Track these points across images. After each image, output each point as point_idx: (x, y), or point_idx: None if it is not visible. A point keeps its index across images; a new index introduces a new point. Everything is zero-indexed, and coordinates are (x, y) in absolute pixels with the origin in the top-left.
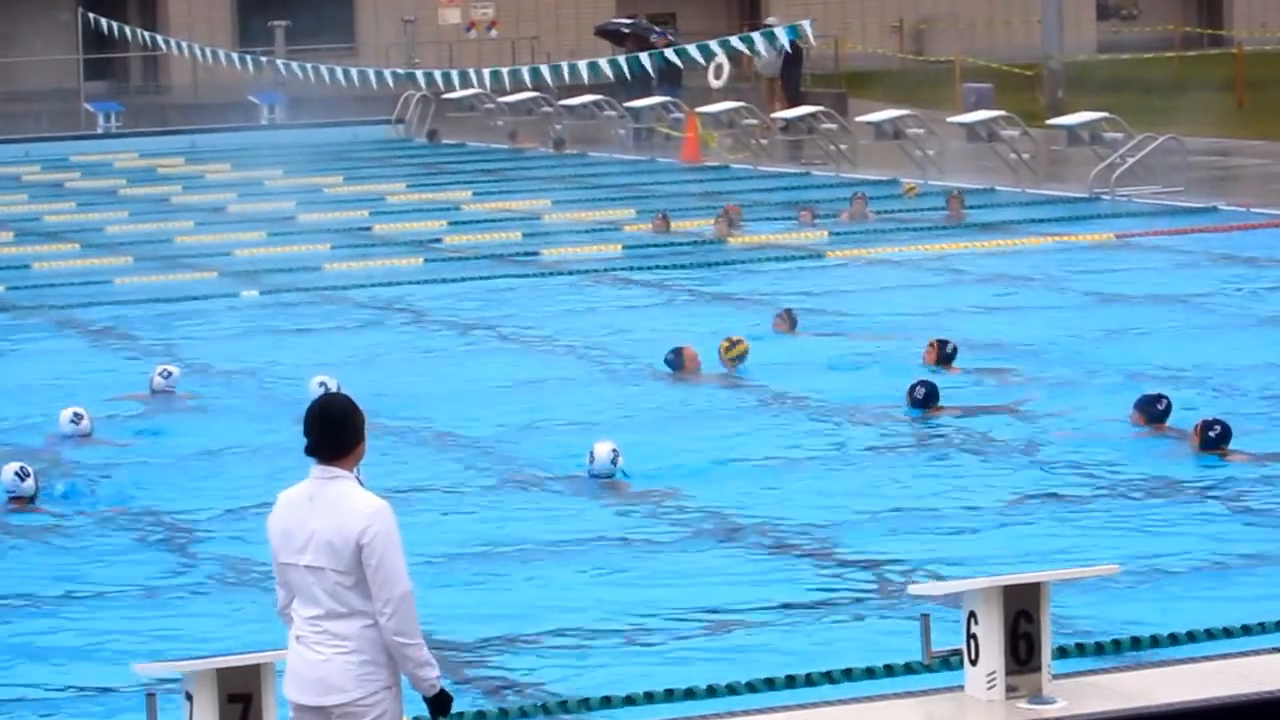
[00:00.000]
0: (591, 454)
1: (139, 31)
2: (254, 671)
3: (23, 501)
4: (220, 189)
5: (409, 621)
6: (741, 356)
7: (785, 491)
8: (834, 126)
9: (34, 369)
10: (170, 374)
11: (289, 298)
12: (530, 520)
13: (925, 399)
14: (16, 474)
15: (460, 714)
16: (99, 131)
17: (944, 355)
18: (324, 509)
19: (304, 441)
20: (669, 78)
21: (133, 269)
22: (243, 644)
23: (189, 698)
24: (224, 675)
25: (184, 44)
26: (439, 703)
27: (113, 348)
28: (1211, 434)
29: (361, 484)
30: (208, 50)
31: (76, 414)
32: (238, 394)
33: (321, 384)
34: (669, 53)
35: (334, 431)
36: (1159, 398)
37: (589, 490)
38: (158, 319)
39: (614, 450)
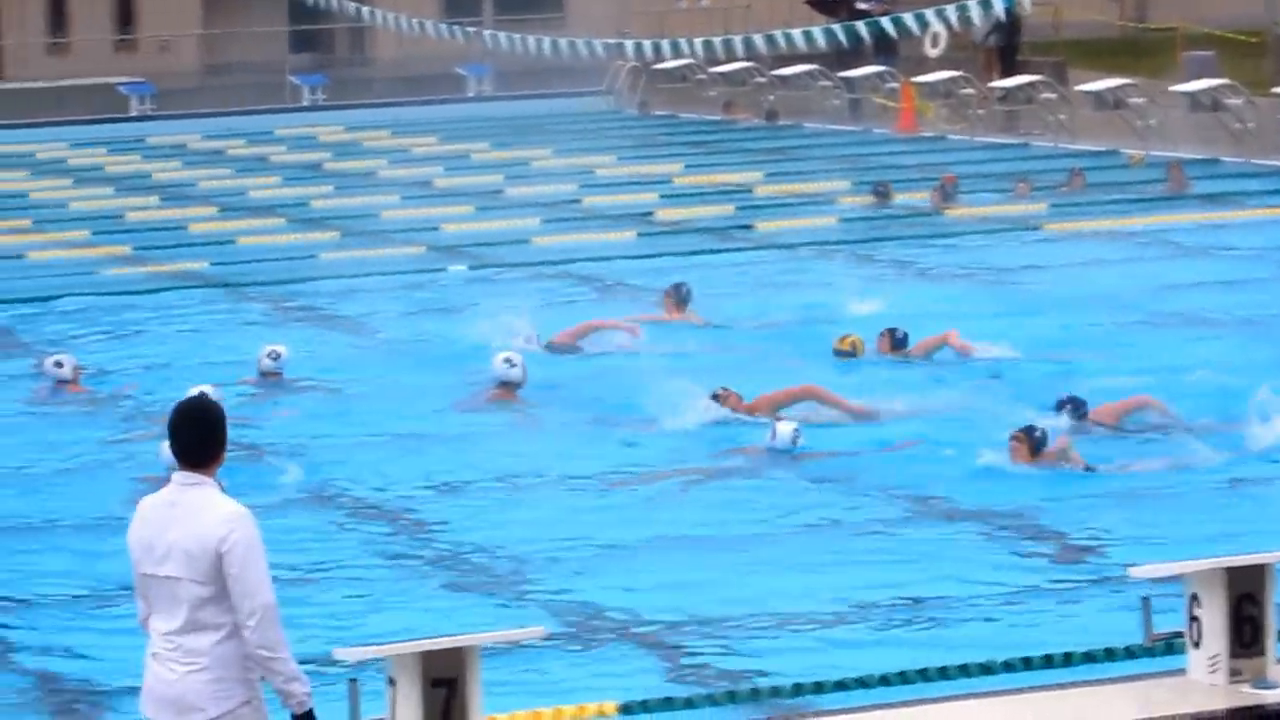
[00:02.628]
0: (774, 430)
1: (345, 3)
2: (459, 655)
3: None
4: (427, 162)
5: (273, 633)
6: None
7: (997, 474)
8: (1053, 96)
9: (195, 344)
10: (278, 355)
11: (497, 273)
12: (728, 505)
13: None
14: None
15: (669, 699)
16: (304, 105)
17: (896, 342)
18: (184, 517)
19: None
20: (884, 47)
21: (338, 244)
22: (445, 627)
23: (392, 683)
24: (428, 659)
25: (390, 15)
26: None
27: (300, 324)
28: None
29: (223, 489)
30: (414, 21)
31: (202, 394)
32: (419, 372)
33: (507, 360)
34: (885, 21)
35: (203, 436)
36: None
37: (794, 472)
38: (354, 295)
39: (796, 429)
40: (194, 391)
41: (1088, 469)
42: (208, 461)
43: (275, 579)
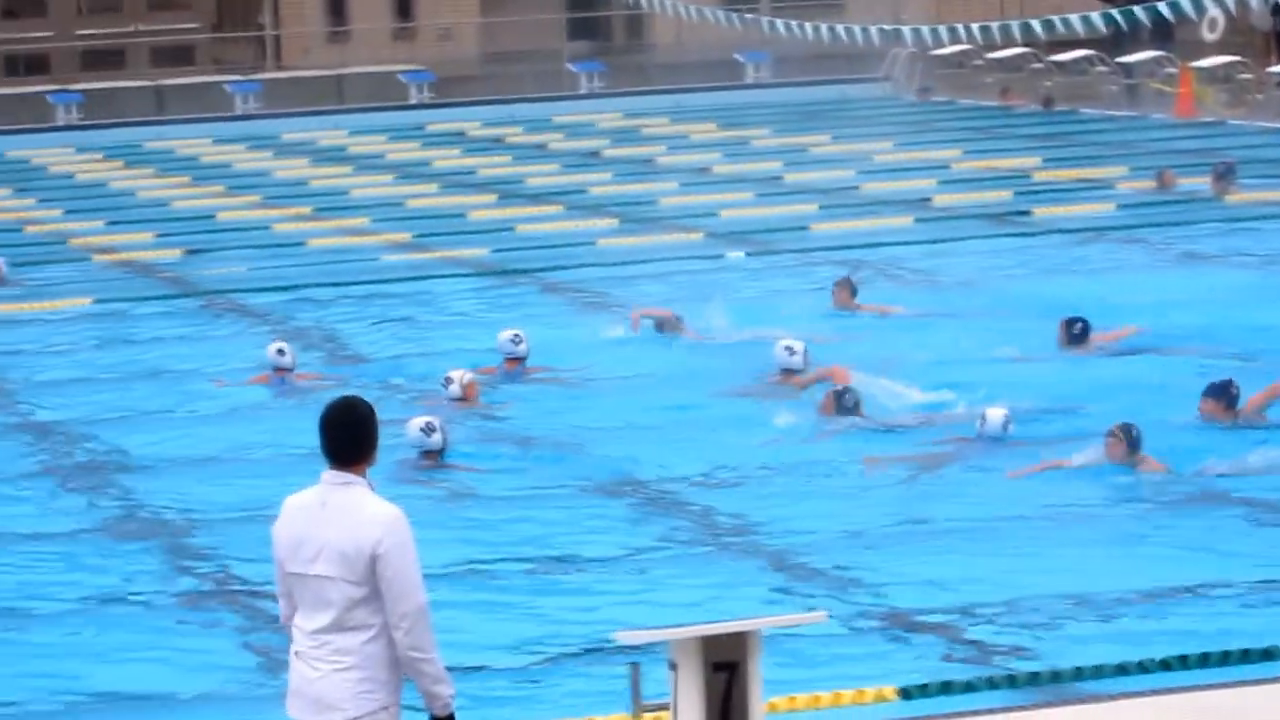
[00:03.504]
0: (984, 418)
1: None
2: (740, 639)
3: (433, 456)
4: (705, 149)
5: (424, 635)
6: None
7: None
8: None
9: (466, 331)
10: (520, 339)
11: (775, 259)
12: (979, 492)
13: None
14: (423, 429)
15: (948, 683)
16: (582, 92)
17: (1072, 336)
18: (337, 517)
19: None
20: (1161, 32)
21: (616, 231)
22: (726, 611)
23: (673, 667)
24: (709, 643)
25: (668, 1)
26: None
27: (578, 311)
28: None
29: (373, 489)
30: (692, 8)
31: (447, 378)
32: (703, 356)
33: (788, 348)
34: (1162, 6)
35: (355, 435)
36: (1229, 384)
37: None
38: (632, 282)
39: (1006, 416)
40: (454, 374)
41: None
42: (358, 461)
43: (553, 564)
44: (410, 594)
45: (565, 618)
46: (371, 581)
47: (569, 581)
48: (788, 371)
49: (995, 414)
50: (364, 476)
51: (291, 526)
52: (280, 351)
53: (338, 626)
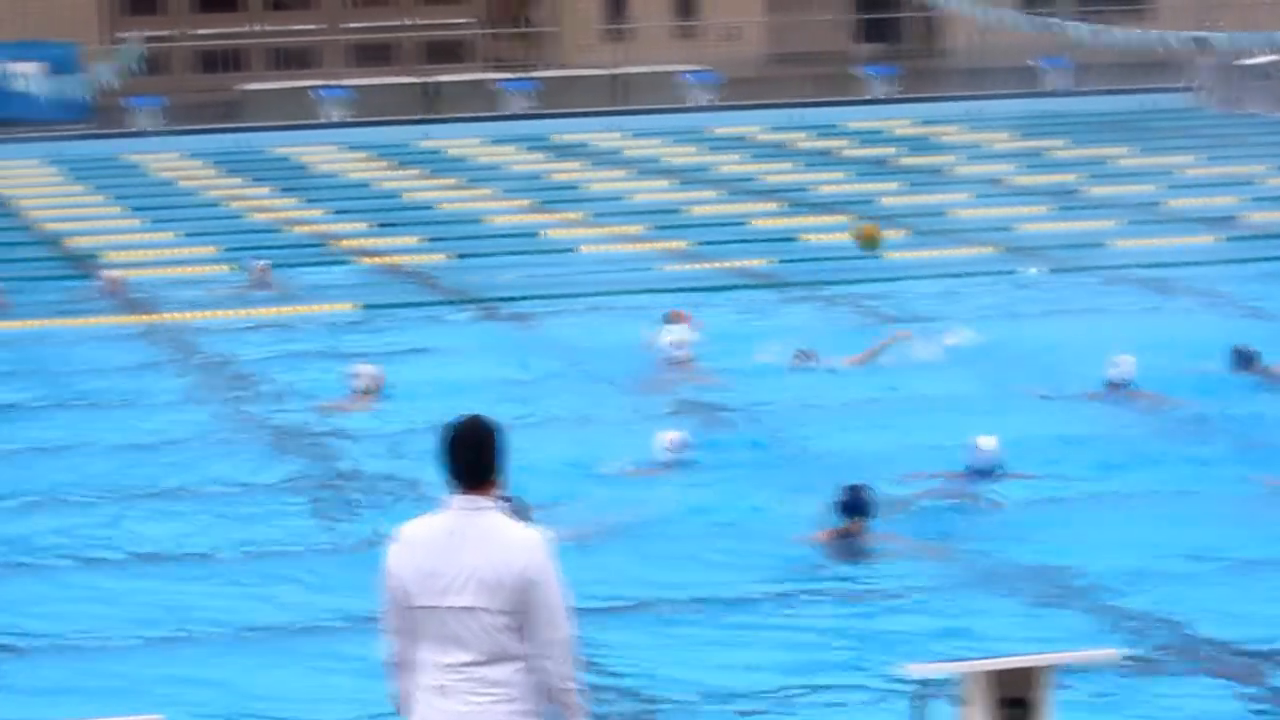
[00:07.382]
0: (976, 446)
1: None
2: (1031, 674)
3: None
4: (1001, 159)
5: (572, 664)
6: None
7: None
8: None
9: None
10: (809, 355)
11: (1073, 276)
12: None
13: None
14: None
15: None
16: (872, 97)
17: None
18: (477, 544)
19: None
20: None
21: (907, 243)
22: (1017, 645)
23: (962, 701)
24: (999, 678)
25: (965, 4)
26: None
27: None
28: None
29: (505, 513)
30: (990, 12)
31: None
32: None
33: (1112, 361)
34: None
35: (485, 455)
36: None
37: None
38: (922, 296)
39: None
40: (674, 327)
41: None
42: (488, 483)
43: (839, 597)
44: (562, 621)
45: (849, 645)
46: (520, 609)
47: (848, 611)
48: (1112, 385)
49: (987, 442)
50: (494, 500)
51: (416, 558)
52: (355, 375)
53: (491, 658)
